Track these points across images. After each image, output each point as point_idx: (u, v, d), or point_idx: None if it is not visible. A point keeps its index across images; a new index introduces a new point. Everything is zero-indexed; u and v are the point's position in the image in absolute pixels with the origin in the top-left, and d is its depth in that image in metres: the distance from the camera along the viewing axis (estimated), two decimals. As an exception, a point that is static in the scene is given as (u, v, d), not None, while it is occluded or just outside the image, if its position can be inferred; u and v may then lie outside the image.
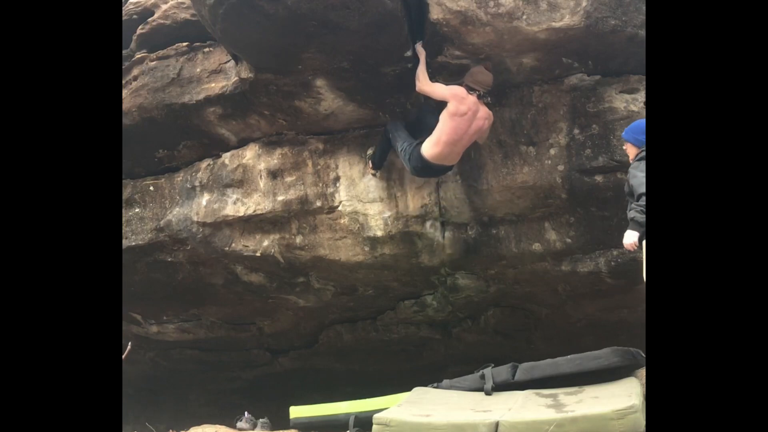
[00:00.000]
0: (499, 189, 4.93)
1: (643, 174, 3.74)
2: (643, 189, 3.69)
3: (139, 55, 5.51)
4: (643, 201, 3.68)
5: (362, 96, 4.88)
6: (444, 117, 4.45)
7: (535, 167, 4.84)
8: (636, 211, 3.72)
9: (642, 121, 4.11)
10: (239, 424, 5.33)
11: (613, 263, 5.01)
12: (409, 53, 4.52)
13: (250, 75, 4.82)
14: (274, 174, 5.33)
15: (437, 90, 4.45)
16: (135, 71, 5.51)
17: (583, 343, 5.06)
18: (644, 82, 4.55)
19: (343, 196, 5.22)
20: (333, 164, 5.26)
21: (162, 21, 5.44)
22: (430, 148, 4.49)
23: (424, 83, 4.45)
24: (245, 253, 5.55)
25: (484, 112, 4.55)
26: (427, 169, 4.65)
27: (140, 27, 5.52)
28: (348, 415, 4.61)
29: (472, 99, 4.45)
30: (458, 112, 4.42)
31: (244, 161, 5.41)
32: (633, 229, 3.75)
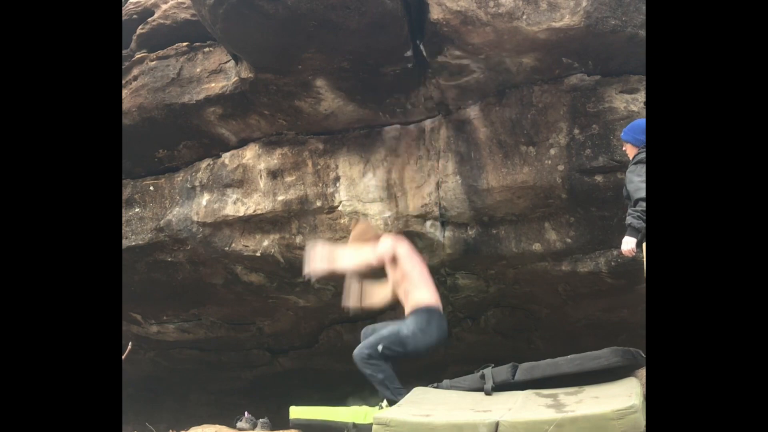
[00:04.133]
0: (499, 189, 4.93)
1: (640, 179, 3.74)
2: (639, 194, 3.69)
3: (139, 55, 5.51)
4: (639, 206, 3.68)
5: (362, 96, 4.88)
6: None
7: (535, 167, 4.84)
8: (633, 217, 3.72)
9: (640, 121, 4.10)
10: (239, 424, 5.32)
11: (613, 263, 5.01)
12: (409, 53, 4.52)
13: (250, 75, 4.82)
14: (274, 174, 5.33)
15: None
16: (135, 71, 5.51)
17: (583, 343, 5.05)
18: (644, 82, 4.55)
19: (343, 196, 5.22)
20: (333, 164, 5.26)
21: (162, 21, 5.44)
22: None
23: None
24: (245, 253, 5.55)
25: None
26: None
27: (140, 27, 5.52)
28: (347, 423, 4.60)
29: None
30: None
31: (244, 161, 5.41)
32: (630, 235, 3.75)
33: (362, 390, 5.26)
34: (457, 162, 5.02)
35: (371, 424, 3.59)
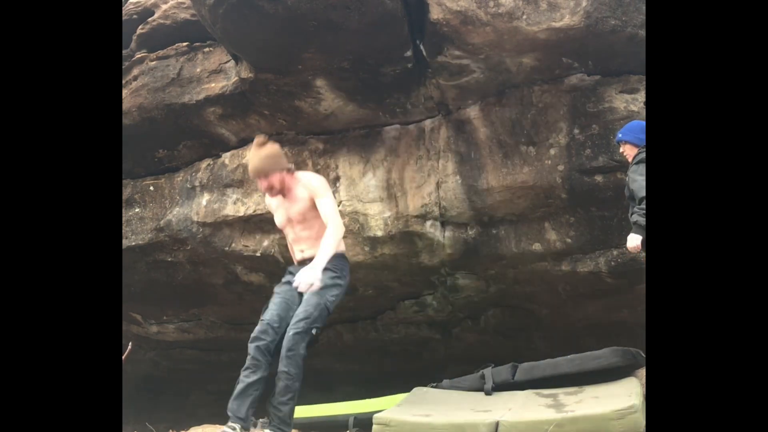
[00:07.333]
0: (499, 189, 4.93)
1: (643, 178, 3.76)
2: (644, 193, 3.71)
3: (139, 55, 5.51)
4: (645, 204, 3.70)
5: (362, 96, 4.88)
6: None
7: (535, 167, 4.84)
8: (639, 215, 3.75)
9: (639, 122, 4.12)
10: (239, 424, 5.32)
11: (613, 263, 5.01)
12: (409, 53, 4.52)
13: (250, 75, 4.82)
14: (274, 174, 5.33)
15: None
16: (135, 71, 5.51)
17: (583, 344, 5.06)
18: (644, 82, 4.55)
19: (343, 196, 5.22)
20: (333, 164, 5.26)
21: (162, 21, 5.44)
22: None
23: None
24: (245, 253, 5.55)
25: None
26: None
27: (140, 27, 5.52)
28: (347, 415, 4.61)
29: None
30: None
31: (244, 161, 5.40)
32: (636, 232, 3.77)
33: (364, 390, 5.27)
34: (457, 162, 5.02)
35: (372, 413, 3.59)
